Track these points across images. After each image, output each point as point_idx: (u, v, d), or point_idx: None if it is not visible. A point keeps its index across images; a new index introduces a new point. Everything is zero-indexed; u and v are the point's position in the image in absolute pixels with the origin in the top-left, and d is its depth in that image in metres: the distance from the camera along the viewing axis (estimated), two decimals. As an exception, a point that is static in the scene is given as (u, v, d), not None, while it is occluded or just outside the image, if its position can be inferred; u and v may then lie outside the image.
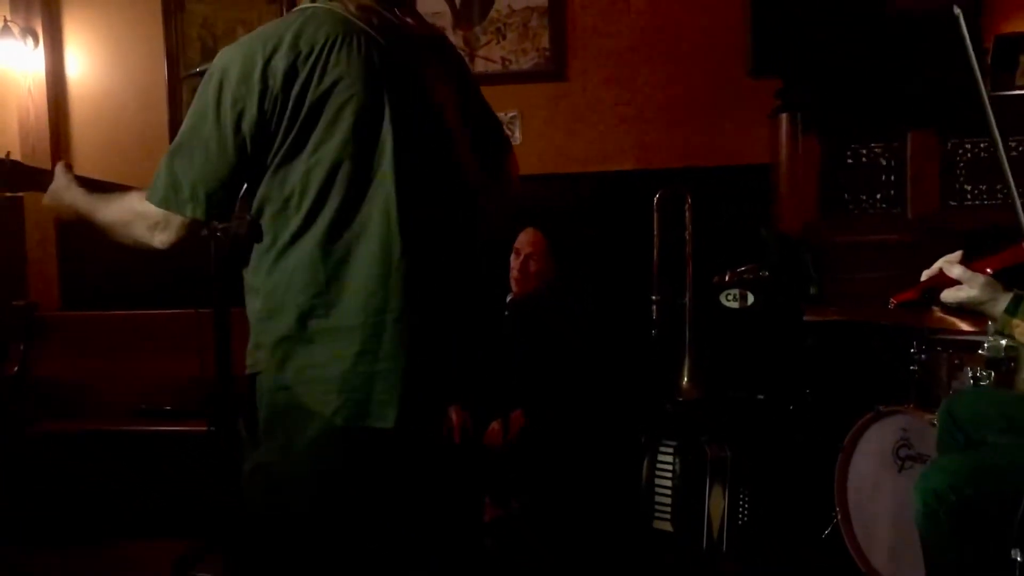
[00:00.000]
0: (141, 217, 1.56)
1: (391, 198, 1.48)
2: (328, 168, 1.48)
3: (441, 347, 1.57)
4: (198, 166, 1.51)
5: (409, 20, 1.64)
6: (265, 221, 1.54)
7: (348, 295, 1.50)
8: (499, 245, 3.21)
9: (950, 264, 1.74)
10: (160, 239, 1.56)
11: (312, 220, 1.49)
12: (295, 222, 1.50)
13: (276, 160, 1.50)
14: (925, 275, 1.79)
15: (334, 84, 1.47)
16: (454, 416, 3.01)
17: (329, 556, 1.56)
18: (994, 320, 1.74)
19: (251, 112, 1.47)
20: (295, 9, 1.59)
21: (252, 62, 1.47)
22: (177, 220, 1.54)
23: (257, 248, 1.56)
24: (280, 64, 1.46)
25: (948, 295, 1.74)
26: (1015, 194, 1.74)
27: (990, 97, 3.31)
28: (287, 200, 1.50)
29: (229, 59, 1.50)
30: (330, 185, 1.48)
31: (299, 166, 1.48)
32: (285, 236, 1.51)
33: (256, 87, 1.46)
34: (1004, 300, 1.71)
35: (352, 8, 1.55)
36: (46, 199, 1.72)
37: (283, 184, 1.50)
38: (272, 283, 1.53)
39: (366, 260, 1.49)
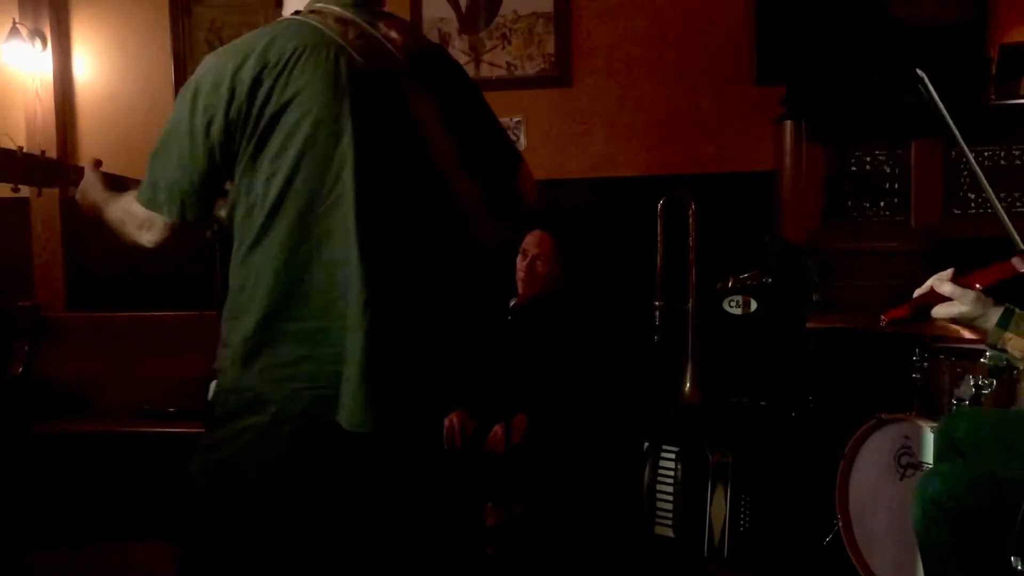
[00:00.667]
0: (132, 216, 1.62)
1: (350, 210, 1.49)
2: (286, 177, 1.50)
3: (416, 356, 1.57)
4: (172, 169, 1.55)
5: (394, 34, 1.63)
6: (235, 224, 1.57)
7: (313, 300, 1.51)
8: (506, 255, 3.21)
9: (941, 281, 1.76)
10: (146, 238, 1.61)
11: (273, 226, 1.51)
12: (257, 226, 1.52)
13: (241, 166, 1.53)
14: (917, 293, 1.81)
15: (294, 96, 1.49)
16: (455, 421, 3.02)
17: (288, 557, 1.56)
18: (986, 334, 1.76)
19: (219, 120, 1.51)
20: (275, 21, 1.61)
21: (224, 72, 1.51)
22: (160, 220, 1.58)
23: (231, 250, 1.59)
24: (247, 75, 1.49)
25: (939, 311, 1.76)
26: (999, 207, 1.77)
27: (995, 106, 3.36)
28: (252, 205, 1.53)
29: (206, 68, 1.55)
30: (289, 193, 1.50)
31: (261, 174, 1.51)
32: (249, 239, 1.54)
33: (224, 96, 1.50)
34: (995, 314, 1.73)
35: (330, 21, 1.56)
36: (76, 195, 1.78)
37: (248, 190, 1.53)
38: (239, 283, 1.56)
39: (327, 268, 1.51)
